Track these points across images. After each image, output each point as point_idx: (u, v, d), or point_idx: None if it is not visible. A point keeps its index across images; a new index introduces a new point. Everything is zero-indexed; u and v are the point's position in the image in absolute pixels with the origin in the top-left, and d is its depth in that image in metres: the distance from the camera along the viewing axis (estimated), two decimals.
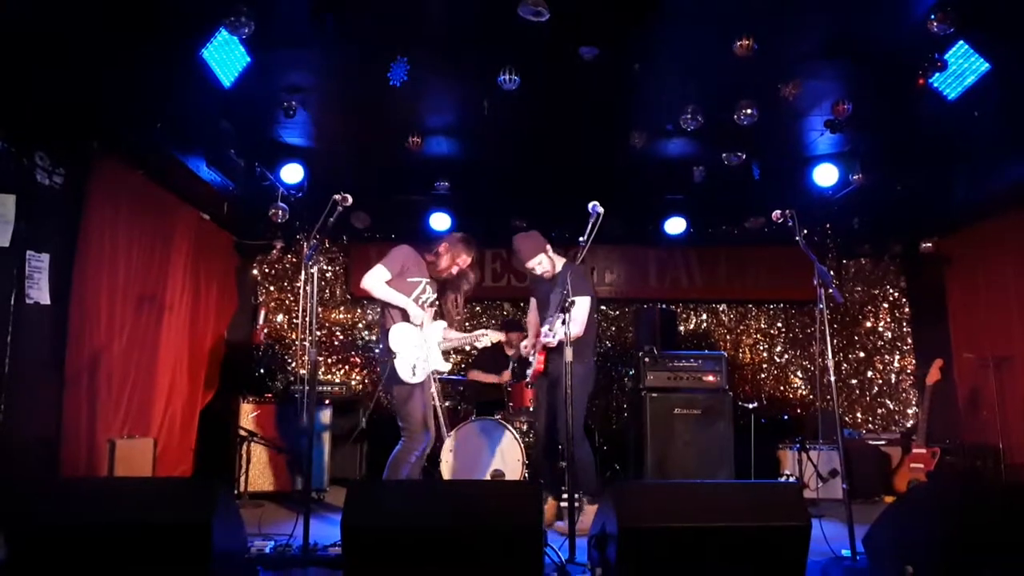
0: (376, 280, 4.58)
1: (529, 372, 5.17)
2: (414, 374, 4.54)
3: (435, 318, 4.86)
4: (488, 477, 5.80)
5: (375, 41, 4.90)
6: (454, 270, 4.79)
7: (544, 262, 4.97)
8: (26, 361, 4.61)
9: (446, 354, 4.89)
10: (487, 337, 4.87)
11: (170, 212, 6.16)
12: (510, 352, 6.78)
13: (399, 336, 4.56)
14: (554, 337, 4.70)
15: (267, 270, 8.21)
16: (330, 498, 6.15)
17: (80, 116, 4.87)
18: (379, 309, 4.80)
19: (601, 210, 4.14)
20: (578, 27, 4.69)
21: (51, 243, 4.85)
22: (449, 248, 4.77)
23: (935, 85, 5.08)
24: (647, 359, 6.37)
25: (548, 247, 4.99)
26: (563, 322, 4.28)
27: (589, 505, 4.81)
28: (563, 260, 5.04)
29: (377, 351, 4.68)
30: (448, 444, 5.87)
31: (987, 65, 4.85)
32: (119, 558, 3.05)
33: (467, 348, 4.94)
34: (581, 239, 4.20)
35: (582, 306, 4.75)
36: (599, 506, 3.75)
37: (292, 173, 6.63)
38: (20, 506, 3.20)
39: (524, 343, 5.30)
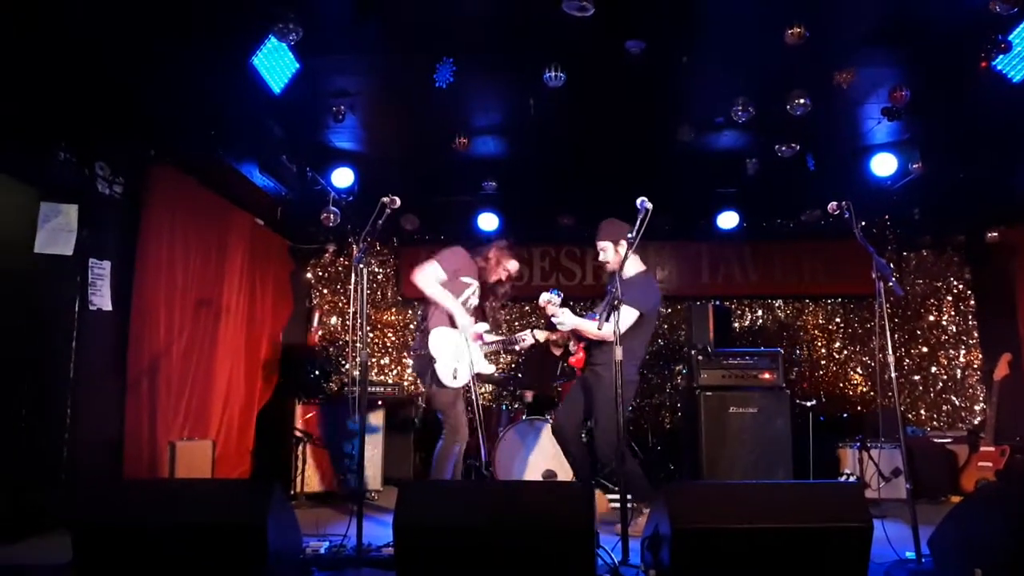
0: (429, 278, 4.66)
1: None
2: (455, 378, 4.61)
3: (476, 320, 4.88)
4: (540, 477, 5.78)
5: (420, 43, 4.91)
6: (502, 275, 4.89)
7: (608, 251, 4.83)
8: (90, 366, 4.78)
9: (489, 357, 4.90)
10: (530, 337, 4.85)
11: (225, 217, 6.30)
12: (557, 352, 6.75)
13: (439, 341, 4.64)
14: (562, 318, 4.66)
15: (320, 273, 8.34)
16: (383, 498, 6.20)
17: (137, 126, 5.01)
18: (420, 311, 4.87)
19: (650, 206, 4.07)
20: (624, 20, 4.62)
21: (112, 250, 5.02)
22: (498, 255, 4.89)
23: (998, 68, 4.87)
24: (700, 357, 6.27)
25: (623, 242, 4.69)
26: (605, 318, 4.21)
27: (647, 510, 4.70)
28: (642, 267, 4.94)
29: (417, 349, 4.73)
30: (501, 444, 5.87)
31: None
32: (178, 557, 3.12)
33: (516, 348, 4.91)
34: (629, 235, 4.14)
35: (626, 315, 4.52)
36: (652, 508, 3.70)
37: (342, 177, 6.70)
38: (85, 507, 3.30)
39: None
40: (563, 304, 4.79)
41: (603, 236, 4.86)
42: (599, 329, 4.55)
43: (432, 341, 4.64)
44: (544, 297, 4.77)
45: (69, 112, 4.61)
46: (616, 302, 4.10)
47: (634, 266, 4.88)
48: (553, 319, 4.75)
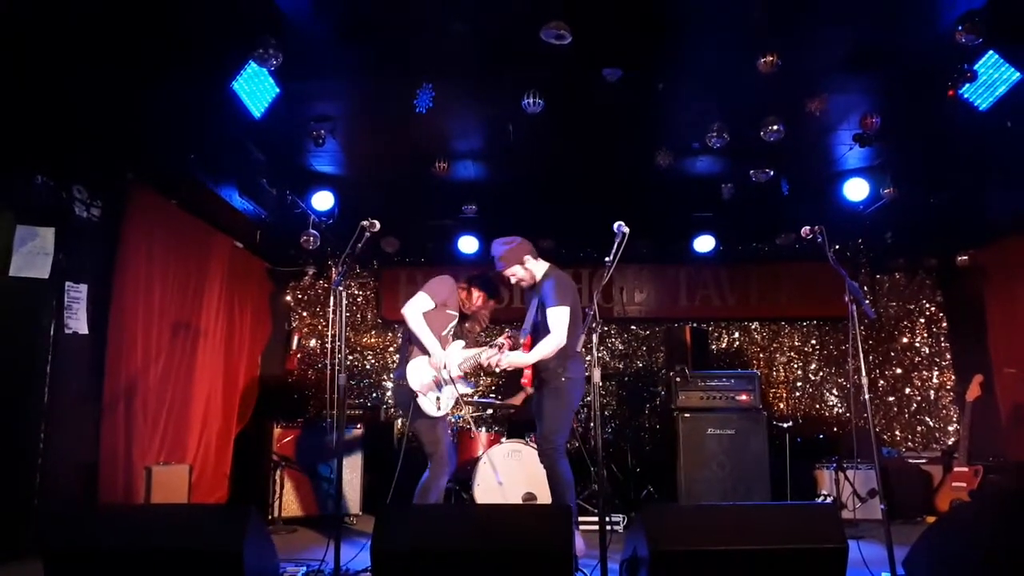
0: (415, 311, 4.64)
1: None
2: (439, 408, 4.61)
3: (454, 338, 4.89)
4: (520, 500, 5.78)
5: (400, 69, 4.97)
6: (482, 312, 4.98)
7: (519, 272, 4.85)
8: (65, 390, 4.73)
9: (471, 376, 4.90)
10: (492, 357, 4.74)
11: (204, 241, 6.29)
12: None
13: (418, 373, 4.64)
14: (503, 362, 4.60)
15: (300, 296, 8.32)
16: (362, 523, 6.16)
17: (116, 149, 5.01)
18: (403, 334, 4.87)
19: (626, 230, 4.11)
20: (601, 49, 4.72)
21: (89, 274, 4.99)
22: (484, 294, 4.96)
23: (966, 96, 5.01)
24: (678, 379, 6.32)
25: (527, 257, 4.82)
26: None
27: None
28: (545, 267, 4.90)
29: (398, 379, 4.71)
30: (480, 467, 5.86)
31: (1018, 74, 4.77)
32: None
33: (496, 368, 4.86)
34: (607, 259, 4.18)
35: (556, 317, 4.61)
36: (630, 530, 3.71)
37: (323, 200, 6.72)
38: (58, 532, 3.26)
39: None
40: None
41: (508, 263, 4.81)
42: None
43: (411, 373, 4.63)
44: (485, 355, 4.67)
45: (47, 135, 4.61)
46: (594, 324, 4.13)
47: (540, 268, 4.90)
48: (500, 364, 4.66)
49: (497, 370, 4.76)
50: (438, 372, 4.65)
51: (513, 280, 4.91)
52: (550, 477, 4.67)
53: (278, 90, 4.97)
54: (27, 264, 4.64)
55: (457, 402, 4.80)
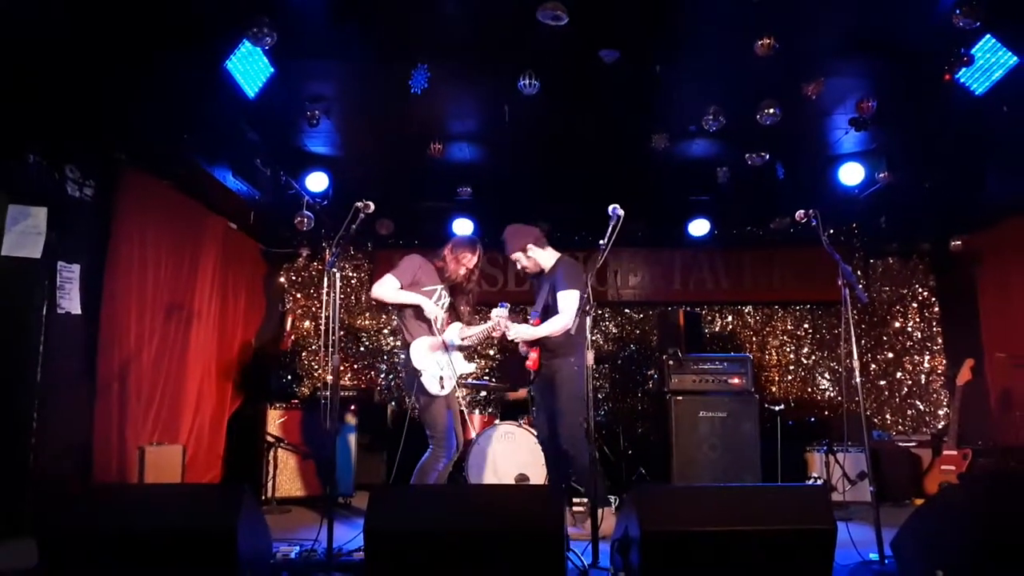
0: (386, 288, 4.67)
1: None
2: (442, 387, 4.63)
3: (449, 321, 4.89)
4: (513, 481, 5.81)
5: (396, 49, 4.94)
6: (462, 271, 4.86)
7: (522, 260, 4.90)
8: (58, 370, 4.72)
9: (469, 355, 4.91)
10: (502, 320, 4.76)
11: (198, 221, 6.26)
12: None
13: (420, 352, 4.65)
14: (512, 332, 4.73)
15: (294, 277, 8.30)
16: (356, 503, 6.19)
17: (108, 129, 4.97)
18: (395, 321, 4.86)
19: (621, 213, 4.12)
20: (598, 30, 4.69)
21: (82, 254, 4.96)
22: (453, 251, 4.85)
23: (962, 80, 5.00)
24: (671, 362, 6.35)
25: (531, 244, 4.86)
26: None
27: (604, 508, 4.65)
28: (556, 255, 4.95)
29: (400, 362, 4.74)
30: (473, 448, 5.89)
31: (1015, 59, 4.76)
32: (146, 563, 3.10)
33: (495, 334, 4.88)
34: (601, 242, 4.18)
35: (566, 300, 4.66)
36: (621, 511, 3.74)
37: (317, 181, 6.70)
38: (52, 512, 3.27)
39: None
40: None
41: (512, 248, 4.89)
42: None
43: (414, 353, 4.64)
44: (496, 313, 4.77)
45: (39, 115, 4.57)
46: (588, 308, 4.15)
47: (550, 256, 4.94)
48: (507, 333, 4.78)
49: (508, 337, 4.80)
50: (440, 350, 4.66)
51: (518, 266, 4.97)
52: (578, 465, 4.66)
53: (272, 70, 4.93)
54: (19, 244, 4.62)
55: (455, 390, 4.81)
